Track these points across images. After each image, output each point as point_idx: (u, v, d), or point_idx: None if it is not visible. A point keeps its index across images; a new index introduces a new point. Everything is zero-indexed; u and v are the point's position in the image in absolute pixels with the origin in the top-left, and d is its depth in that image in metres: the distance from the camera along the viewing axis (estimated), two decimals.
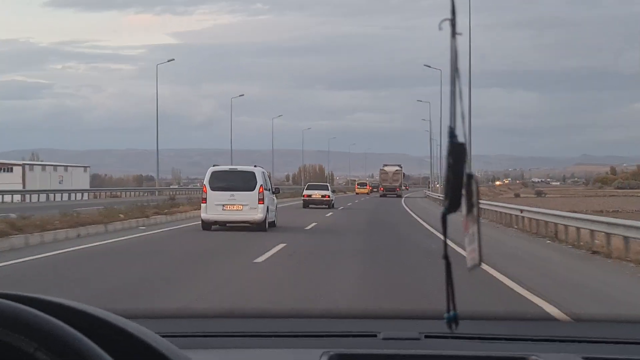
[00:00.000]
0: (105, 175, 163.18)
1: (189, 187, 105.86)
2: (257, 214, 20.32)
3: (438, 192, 55.42)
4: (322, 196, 40.31)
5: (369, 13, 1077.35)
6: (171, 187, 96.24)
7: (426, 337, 2.17)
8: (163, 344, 1.07)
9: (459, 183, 1.04)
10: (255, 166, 22.01)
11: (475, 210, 1.07)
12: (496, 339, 2.24)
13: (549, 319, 3.04)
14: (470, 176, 1.05)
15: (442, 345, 2.12)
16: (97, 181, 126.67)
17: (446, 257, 1.11)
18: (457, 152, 1.04)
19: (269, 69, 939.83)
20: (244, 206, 20.33)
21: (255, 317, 2.82)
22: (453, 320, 1.15)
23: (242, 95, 76.60)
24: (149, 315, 2.65)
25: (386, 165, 76.20)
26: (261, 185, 20.69)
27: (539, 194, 54.54)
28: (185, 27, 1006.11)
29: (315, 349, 1.97)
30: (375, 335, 2.19)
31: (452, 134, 1.05)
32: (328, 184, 45.75)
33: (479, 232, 1.09)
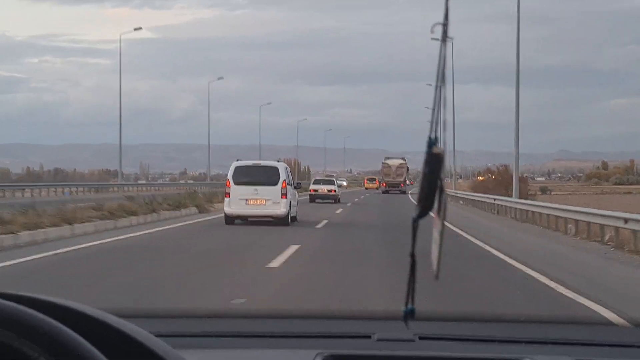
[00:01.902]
0: (75, 169, 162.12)
1: (158, 182, 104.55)
2: (280, 209, 21.15)
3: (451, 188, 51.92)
4: (329, 190, 41.68)
5: (347, 8, 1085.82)
6: (138, 182, 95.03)
7: (420, 338, 2.22)
8: (157, 344, 1.10)
9: (432, 192, 1.09)
10: (278, 161, 22.96)
11: (442, 217, 1.14)
12: (490, 341, 2.30)
13: (543, 321, 3.13)
14: (442, 188, 1.11)
15: (436, 347, 2.20)
16: (59, 176, 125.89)
17: (412, 255, 1.18)
18: (434, 162, 1.09)
19: (247, 64, 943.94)
20: (267, 201, 21.13)
21: (250, 318, 2.90)
22: (409, 314, 1.21)
23: (222, 78, 75.36)
24: (144, 315, 2.73)
25: (388, 158, 72.36)
26: (284, 180, 21.50)
27: (544, 190, 52.91)
28: (164, 21, 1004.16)
29: (309, 350, 2.02)
30: (369, 337, 2.24)
31: (430, 144, 1.09)
32: (334, 179, 47.12)
33: (441, 241, 1.15)
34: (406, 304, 1.21)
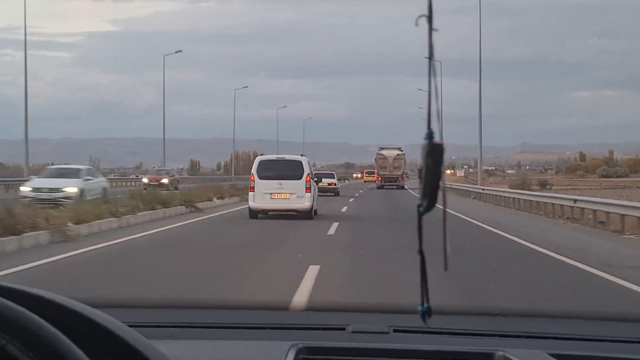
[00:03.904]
0: (17, 164, 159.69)
1: (110, 177, 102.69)
2: (305, 203, 22.07)
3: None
4: (329, 184, 43.28)
5: (312, 0, 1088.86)
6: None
7: (395, 331, 2.31)
8: (130, 334, 1.13)
9: (436, 183, 1.11)
10: (302, 155, 23.74)
11: (444, 207, 1.16)
12: (465, 334, 2.38)
13: (517, 314, 3.21)
14: (443, 179, 1.13)
15: (410, 340, 2.26)
16: None
17: (421, 252, 1.20)
18: (435, 153, 1.11)
19: (211, 57, 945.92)
20: (292, 195, 22.03)
21: (224, 309, 2.95)
22: (427, 313, 1.25)
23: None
24: (118, 305, 2.76)
25: (383, 148, 65.09)
26: (308, 174, 22.43)
27: (543, 185, 50.62)
28: (125, 14, 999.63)
29: (283, 342, 2.08)
30: (344, 329, 2.33)
31: (430, 135, 1.11)
32: (334, 173, 48.82)
33: (445, 232, 1.17)
34: (422, 303, 1.25)
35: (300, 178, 22.28)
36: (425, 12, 1.11)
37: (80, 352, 1.01)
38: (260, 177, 22.30)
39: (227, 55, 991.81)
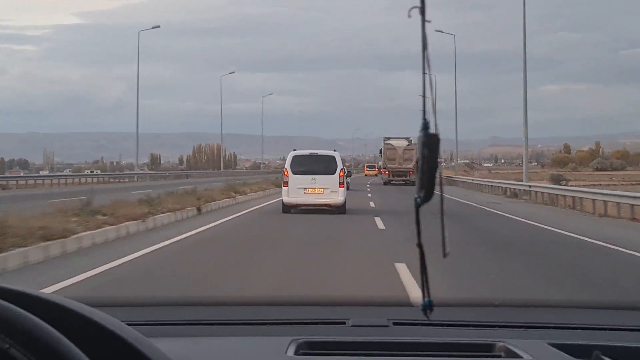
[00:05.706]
0: None
1: (64, 173, 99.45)
2: (338, 197, 23.00)
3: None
4: None
5: None
6: (41, 173, 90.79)
7: (395, 324, 2.37)
8: (129, 333, 1.17)
9: (433, 174, 1.16)
10: (334, 150, 24.66)
11: (442, 197, 1.20)
12: (465, 326, 2.44)
13: (516, 305, 3.27)
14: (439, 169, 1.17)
15: (410, 332, 2.31)
16: None
17: (420, 245, 1.23)
18: (431, 144, 1.16)
19: (181, 51, 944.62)
20: (325, 189, 22.93)
21: (224, 305, 3.01)
22: (428, 307, 1.30)
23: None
24: (116, 304, 2.82)
25: (390, 138, 59.37)
26: (342, 169, 23.37)
27: (557, 180, 47.01)
28: (94, 7, 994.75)
29: (283, 337, 2.14)
30: (344, 323, 2.40)
31: (425, 126, 1.16)
32: (344, 168, 49.35)
33: (442, 222, 1.22)
34: (423, 297, 1.29)
35: (333, 173, 23.13)
36: (413, 4, 1.14)
37: (80, 354, 1.04)
38: (294, 172, 23.07)
39: (198, 49, 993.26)
